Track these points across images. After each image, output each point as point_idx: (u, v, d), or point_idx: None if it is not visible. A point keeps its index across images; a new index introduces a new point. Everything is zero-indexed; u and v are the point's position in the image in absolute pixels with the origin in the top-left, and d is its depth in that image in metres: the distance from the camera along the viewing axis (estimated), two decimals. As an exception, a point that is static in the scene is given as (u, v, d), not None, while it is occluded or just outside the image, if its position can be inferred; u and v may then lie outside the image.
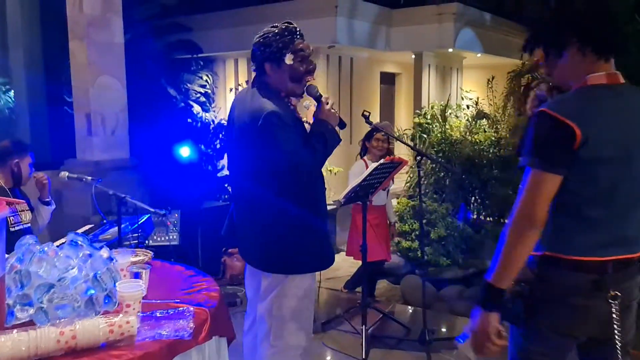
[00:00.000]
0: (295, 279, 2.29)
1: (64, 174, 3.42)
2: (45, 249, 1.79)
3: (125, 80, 5.12)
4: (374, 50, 8.32)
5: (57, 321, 1.49)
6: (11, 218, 3.24)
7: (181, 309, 1.67)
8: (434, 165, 7.53)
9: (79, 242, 1.90)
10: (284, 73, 2.32)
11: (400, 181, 8.98)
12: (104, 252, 1.91)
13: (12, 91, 5.77)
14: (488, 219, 7.93)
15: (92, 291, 1.72)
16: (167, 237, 4.27)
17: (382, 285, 6.44)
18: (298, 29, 2.35)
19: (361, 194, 3.41)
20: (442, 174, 7.57)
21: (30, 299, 1.65)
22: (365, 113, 3.24)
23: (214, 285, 2.04)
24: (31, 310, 1.65)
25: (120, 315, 1.54)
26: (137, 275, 1.88)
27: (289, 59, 2.31)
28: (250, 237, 2.36)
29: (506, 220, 1.56)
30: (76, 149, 5.03)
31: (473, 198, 7.96)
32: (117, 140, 5.06)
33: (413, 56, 8.77)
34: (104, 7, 4.90)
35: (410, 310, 4.80)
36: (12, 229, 3.23)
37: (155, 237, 4.24)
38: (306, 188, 2.29)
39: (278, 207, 2.23)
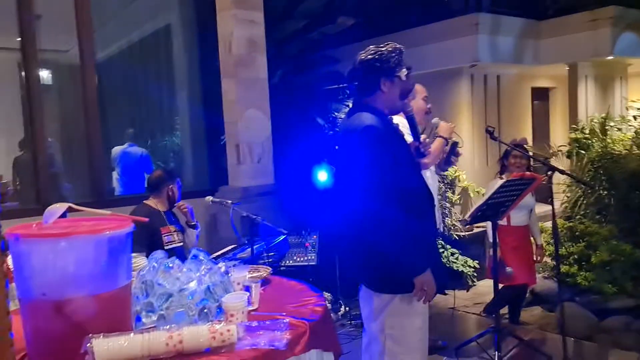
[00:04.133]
0: (405, 297, 2.28)
1: (208, 198, 3.81)
2: (170, 264, 2.01)
3: (270, 112, 5.49)
4: (522, 65, 7.94)
5: (169, 326, 1.66)
6: (165, 237, 3.66)
7: (278, 320, 1.77)
8: (594, 183, 6.90)
9: (200, 258, 2.12)
10: (396, 89, 2.38)
11: (556, 201, 8.34)
12: (222, 267, 2.10)
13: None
14: (664, 242, 7.05)
15: (205, 302, 1.91)
16: (305, 258, 4.46)
17: (535, 312, 6.04)
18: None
19: (489, 213, 3.26)
20: (605, 192, 6.90)
21: (153, 306, 1.87)
22: (489, 128, 3.14)
23: (321, 301, 2.11)
24: (154, 317, 1.87)
25: (223, 323, 1.68)
26: (247, 289, 2.03)
27: (403, 74, 2.37)
28: (358, 256, 2.38)
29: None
30: (228, 177, 5.49)
31: (646, 219, 7.14)
32: (263, 168, 5.41)
33: (567, 68, 8.20)
34: (249, 48, 5.33)
35: (558, 340, 4.44)
36: (166, 247, 3.64)
37: (295, 258, 4.46)
38: (410, 205, 2.24)
39: (381, 225, 2.19)
